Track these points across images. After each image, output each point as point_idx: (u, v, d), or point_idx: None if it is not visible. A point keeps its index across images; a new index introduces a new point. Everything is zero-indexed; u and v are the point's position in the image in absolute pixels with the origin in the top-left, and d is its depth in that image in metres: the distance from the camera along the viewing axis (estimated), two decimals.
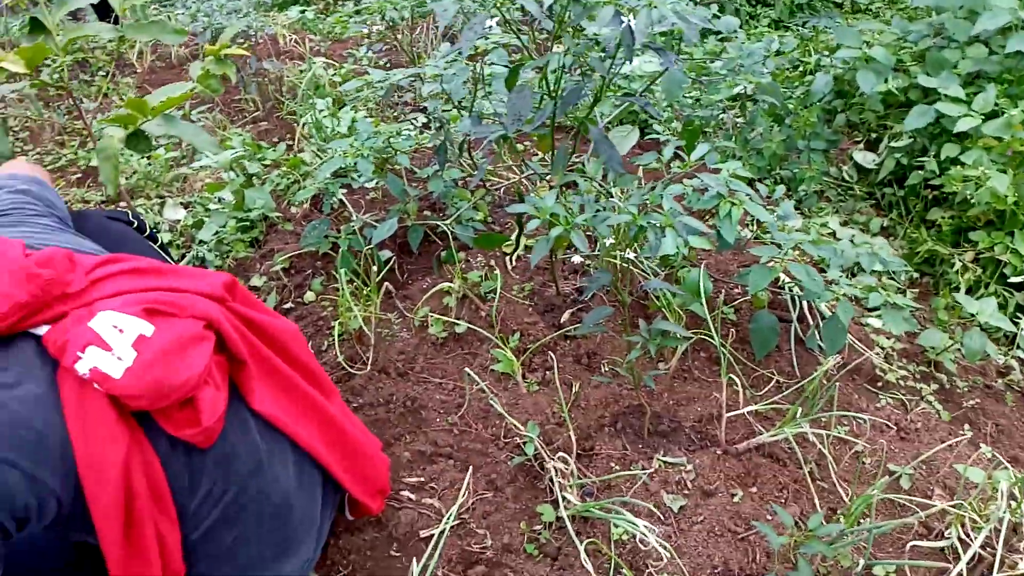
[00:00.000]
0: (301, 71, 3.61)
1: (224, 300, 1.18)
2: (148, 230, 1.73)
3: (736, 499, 1.60)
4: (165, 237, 2.46)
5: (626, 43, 1.44)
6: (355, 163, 2.03)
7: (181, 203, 2.69)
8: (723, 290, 2.10)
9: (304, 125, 3.07)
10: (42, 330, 1.03)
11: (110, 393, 1.00)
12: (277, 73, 3.60)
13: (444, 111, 2.22)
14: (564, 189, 1.90)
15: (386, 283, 2.10)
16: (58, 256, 1.07)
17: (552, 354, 1.90)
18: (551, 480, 1.61)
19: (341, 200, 2.41)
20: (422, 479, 1.67)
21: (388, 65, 3.79)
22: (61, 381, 1.00)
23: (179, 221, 2.57)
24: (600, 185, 2.14)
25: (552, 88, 1.68)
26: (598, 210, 1.63)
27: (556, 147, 1.86)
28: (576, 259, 2.12)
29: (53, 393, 0.99)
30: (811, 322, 2.01)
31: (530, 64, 1.65)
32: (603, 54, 1.64)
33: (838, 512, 1.57)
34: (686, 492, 1.62)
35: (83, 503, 1.02)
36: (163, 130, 1.62)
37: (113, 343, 1.00)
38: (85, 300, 1.06)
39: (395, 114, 3.28)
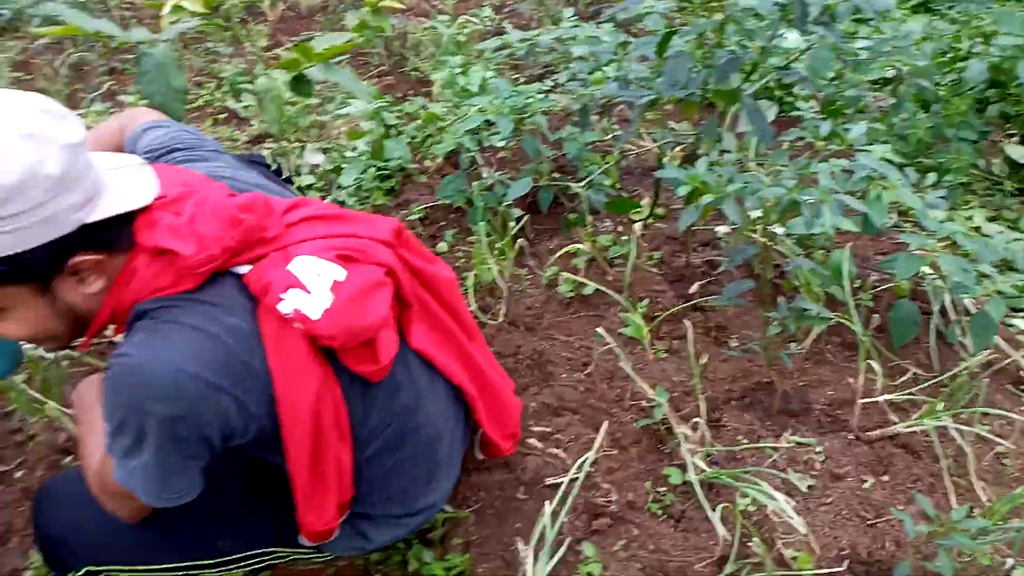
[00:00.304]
0: (425, 28, 3.66)
1: (392, 245, 1.23)
2: (284, 174, 1.80)
3: (866, 485, 1.58)
4: (306, 180, 2.56)
5: (796, 14, 1.41)
6: (494, 120, 2.07)
7: (320, 149, 2.80)
8: (860, 276, 2.06)
9: (436, 82, 3.13)
10: (242, 269, 1.10)
11: (308, 332, 1.07)
12: (403, 28, 3.66)
13: (587, 74, 2.22)
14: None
15: (519, 239, 2.14)
16: (258, 201, 1.13)
17: (683, 323, 1.90)
18: (677, 445, 1.63)
19: (473, 157, 2.45)
20: (548, 430, 1.72)
21: (511, 28, 3.81)
22: (262, 318, 1.07)
23: (318, 166, 2.67)
24: (738, 158, 2.11)
25: (706, 56, 1.67)
26: (747, 182, 1.62)
27: (702, 117, 1.85)
28: (723, 229, 2.11)
29: (256, 329, 1.07)
30: (952, 316, 1.94)
31: (688, 31, 1.64)
32: (762, 24, 1.61)
33: (975, 512, 1.53)
34: (814, 473, 1.61)
35: (277, 429, 1.11)
36: (323, 76, 1.68)
37: (312, 287, 1.07)
38: (280, 244, 1.12)
39: (516, 75, 3.31)
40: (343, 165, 2.61)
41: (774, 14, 1.64)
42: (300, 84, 1.62)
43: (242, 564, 1.38)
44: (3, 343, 1.25)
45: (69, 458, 1.73)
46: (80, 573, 1.31)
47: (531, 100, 2.15)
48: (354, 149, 2.71)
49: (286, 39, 3.86)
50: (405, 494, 1.34)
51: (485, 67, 3.24)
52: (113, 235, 1.04)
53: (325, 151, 2.82)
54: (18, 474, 1.71)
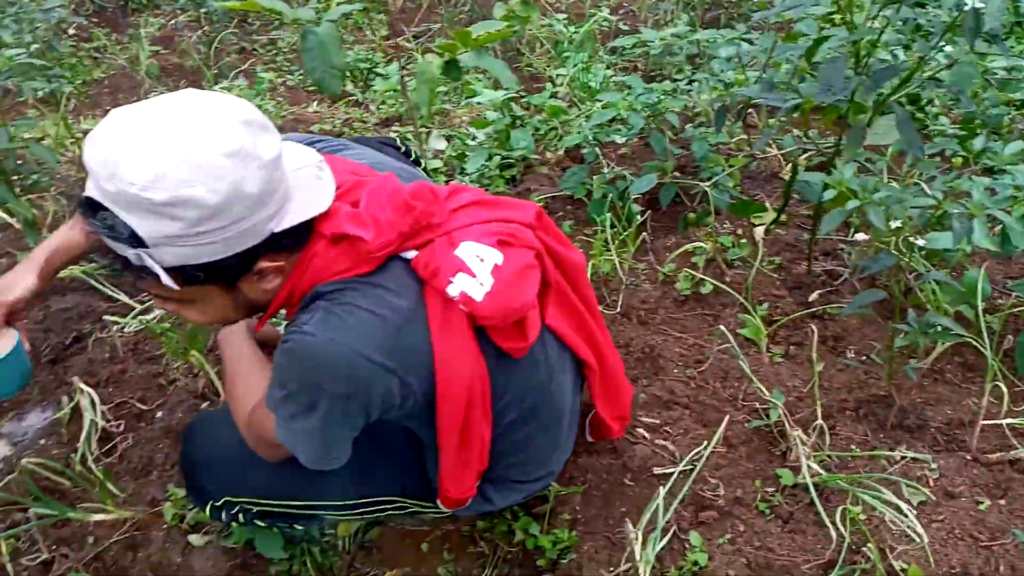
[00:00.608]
0: (542, 26, 3.72)
1: (535, 228, 1.29)
2: (414, 156, 1.88)
3: (982, 507, 1.54)
4: (432, 164, 2.66)
5: (967, 27, 1.39)
6: (625, 116, 2.10)
7: (443, 135, 2.90)
8: (991, 297, 2.00)
9: (557, 76, 3.19)
10: (409, 254, 1.17)
11: (471, 313, 1.14)
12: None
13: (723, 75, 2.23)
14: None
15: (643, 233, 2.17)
16: (425, 189, 1.20)
17: (799, 330, 1.89)
18: (788, 448, 1.63)
19: (596, 151, 2.50)
20: (657, 422, 1.75)
21: (627, 28, 3.83)
22: (428, 300, 1.15)
23: (443, 151, 2.77)
24: (868, 167, 2.08)
25: (861, 63, 1.66)
26: (890, 192, 1.60)
27: (846, 124, 1.83)
28: (861, 237, 2.08)
29: (422, 310, 1.14)
30: None
31: (844, 37, 1.63)
32: (922, 34, 1.59)
33: None
34: (927, 489, 1.58)
35: (430, 405, 1.19)
36: (474, 62, 1.76)
37: (477, 271, 1.14)
38: (444, 229, 1.19)
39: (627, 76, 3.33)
40: (467, 152, 2.70)
41: (938, 26, 1.61)
42: (451, 69, 1.70)
43: (366, 510, 1.47)
44: (14, 364, 1.39)
45: (206, 404, 1.87)
46: (220, 502, 1.43)
47: (663, 99, 2.18)
48: (473, 138, 2.80)
49: (405, 29, 3.99)
50: (530, 463, 1.40)
51: (607, 66, 3.29)
52: (298, 238, 1.11)
53: (448, 138, 2.92)
54: (159, 414, 1.86)
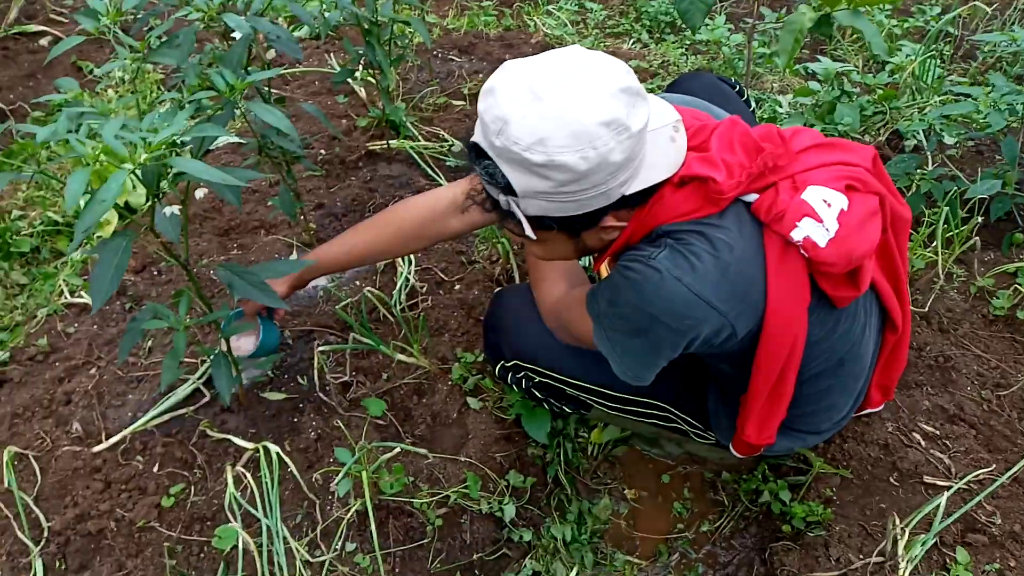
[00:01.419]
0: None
1: (871, 173, 1.24)
2: (746, 96, 1.84)
3: None
4: None
5: None
6: (985, 113, 1.94)
7: (754, 98, 2.84)
8: None
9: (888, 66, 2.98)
10: (750, 197, 1.16)
11: (812, 259, 1.13)
12: None
13: None
14: None
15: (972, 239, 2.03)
16: (772, 132, 1.20)
17: None
18: None
19: (935, 142, 2.33)
20: (938, 432, 1.65)
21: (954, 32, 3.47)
22: (767, 244, 1.15)
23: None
24: None
25: None
26: None
27: None
28: None
29: (760, 253, 1.15)
30: None
31: None
32: None
33: None
34: None
35: (749, 348, 1.20)
36: (849, 21, 1.70)
37: (823, 215, 1.12)
38: (787, 172, 1.17)
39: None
40: (781, 118, 2.63)
41: None
42: (823, 24, 1.66)
43: (634, 409, 1.54)
44: (270, 343, 1.65)
45: (498, 288, 2.02)
46: (510, 363, 1.57)
47: None
48: (780, 106, 2.71)
49: None
50: (820, 414, 1.39)
51: (938, 62, 3.03)
52: (645, 196, 1.14)
53: (757, 102, 2.85)
54: (457, 287, 2.03)
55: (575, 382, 1.52)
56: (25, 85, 3.03)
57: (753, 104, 1.93)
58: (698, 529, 1.75)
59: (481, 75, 2.95)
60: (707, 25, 3.21)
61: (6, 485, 1.59)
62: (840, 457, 1.63)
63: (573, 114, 1.00)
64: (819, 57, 2.77)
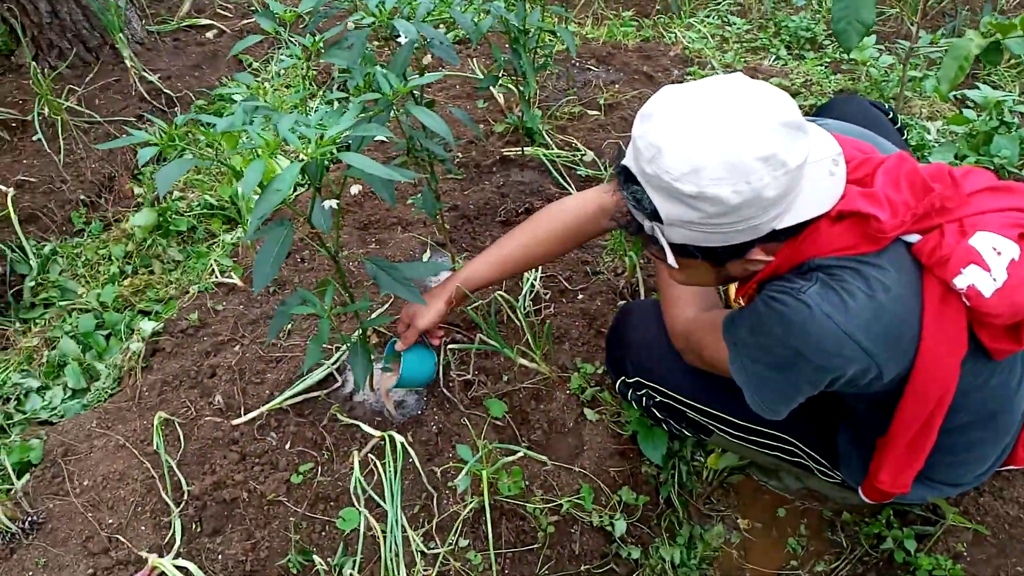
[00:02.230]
0: None
1: None
2: (899, 124, 1.75)
3: None
4: None
5: None
6: None
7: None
8: None
9: None
10: (912, 238, 1.12)
11: (975, 308, 1.08)
12: None
13: None
14: None
15: None
16: (942, 171, 1.14)
17: None
18: None
19: None
20: None
21: None
22: (926, 288, 1.10)
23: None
24: None
25: None
26: None
27: None
28: None
29: (917, 297, 1.10)
30: None
31: None
32: None
33: None
34: None
35: (895, 391, 1.16)
36: (1020, 49, 1.60)
37: (991, 264, 1.06)
38: (956, 215, 1.11)
39: None
40: (930, 146, 2.51)
41: None
42: (992, 52, 1.58)
43: (757, 440, 1.50)
44: (417, 373, 1.66)
45: (622, 302, 2.02)
46: (631, 379, 1.57)
47: None
48: (939, 131, 2.58)
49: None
50: (962, 466, 1.33)
51: None
52: (796, 231, 1.10)
53: (904, 128, 2.73)
54: (579, 296, 2.05)
55: (698, 406, 1.50)
56: (191, 75, 3.26)
57: (904, 132, 1.86)
58: (812, 568, 1.69)
59: (617, 85, 2.95)
60: (859, 47, 3.10)
61: (154, 447, 1.72)
62: (975, 511, 1.55)
63: (730, 146, 0.99)
64: (978, 85, 2.62)
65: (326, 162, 1.28)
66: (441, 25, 3.36)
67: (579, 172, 2.49)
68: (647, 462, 1.72)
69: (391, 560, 1.50)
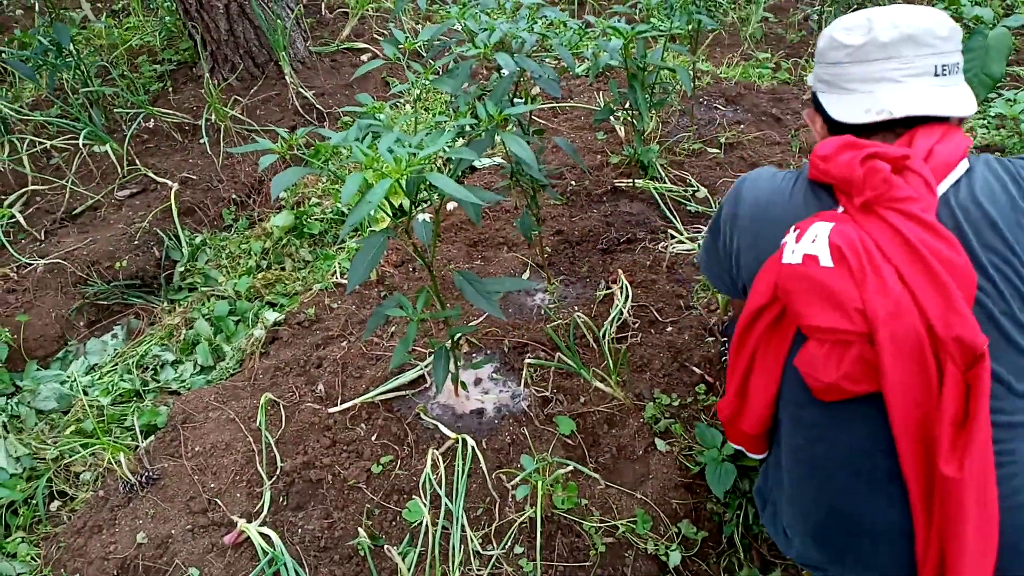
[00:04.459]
0: None
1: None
2: None
3: None
4: None
5: None
6: None
7: None
8: None
9: None
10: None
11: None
12: None
13: None
14: None
15: None
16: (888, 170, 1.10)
17: None
18: None
19: None
20: None
21: None
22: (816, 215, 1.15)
23: None
24: None
25: None
26: None
27: None
28: None
29: (806, 209, 1.18)
30: None
31: None
32: None
33: None
34: None
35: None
36: None
37: (811, 245, 1.09)
38: (862, 199, 1.10)
39: None
40: None
41: None
42: None
43: None
44: None
45: (711, 339, 2.03)
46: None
47: None
48: None
49: None
50: (802, 518, 1.22)
51: None
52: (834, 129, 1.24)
53: None
54: (668, 328, 2.08)
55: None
56: (342, 92, 3.55)
57: None
58: None
59: (743, 125, 2.95)
60: (1000, 95, 2.93)
61: (258, 424, 1.90)
62: None
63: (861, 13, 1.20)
64: None
65: (421, 179, 1.41)
66: (550, 60, 3.48)
67: (688, 208, 2.51)
68: (713, 499, 1.72)
69: (446, 554, 1.59)
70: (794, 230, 1.14)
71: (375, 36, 4.00)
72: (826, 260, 1.07)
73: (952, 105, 1.15)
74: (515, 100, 1.83)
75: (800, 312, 1.10)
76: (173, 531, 1.71)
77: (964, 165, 1.14)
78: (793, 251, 1.12)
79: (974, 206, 1.10)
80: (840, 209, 1.15)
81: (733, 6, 4.34)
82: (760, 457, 1.39)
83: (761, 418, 1.26)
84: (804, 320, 1.10)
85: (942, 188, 1.12)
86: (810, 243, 1.10)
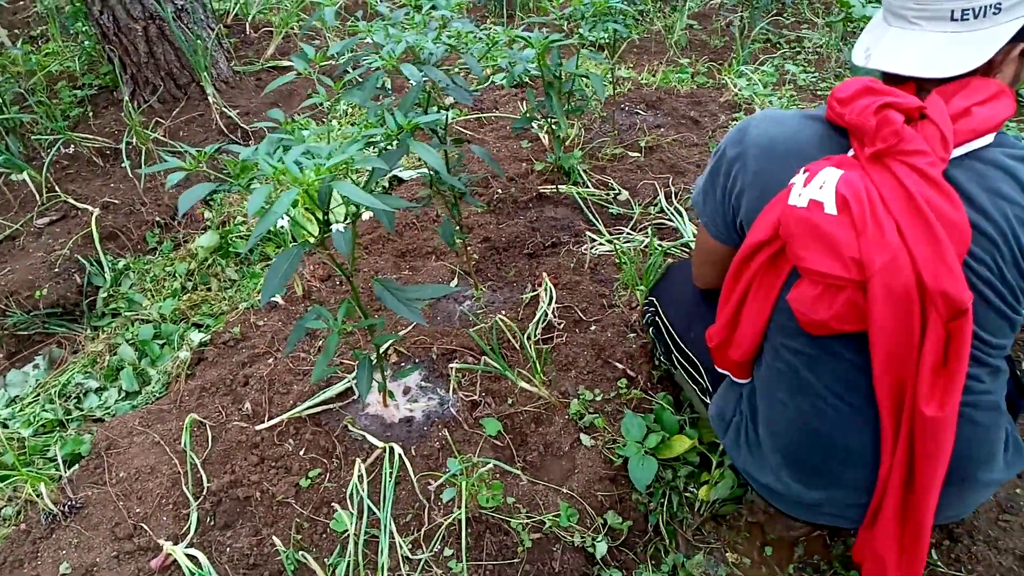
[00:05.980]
0: None
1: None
2: None
3: None
4: None
5: None
6: None
7: None
8: None
9: None
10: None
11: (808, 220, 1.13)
12: None
13: None
14: None
15: None
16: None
17: None
18: None
19: None
20: None
21: None
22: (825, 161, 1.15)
23: None
24: None
25: None
26: None
27: None
28: None
29: (817, 152, 1.17)
30: None
31: None
32: None
33: None
34: None
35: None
36: None
37: (817, 191, 1.11)
38: (873, 149, 1.11)
39: None
40: None
41: None
42: None
43: (680, 362, 1.71)
44: None
45: (632, 335, 2.08)
46: (648, 298, 1.86)
47: None
48: None
49: None
50: (777, 437, 1.35)
51: None
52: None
53: None
54: (592, 327, 2.12)
55: (667, 322, 1.76)
56: (268, 111, 3.53)
57: None
58: None
59: (662, 129, 3.03)
60: None
61: (183, 446, 1.88)
62: (966, 559, 1.52)
63: None
64: None
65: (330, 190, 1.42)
66: (461, 71, 3.54)
67: (611, 210, 2.57)
68: (635, 490, 1.76)
69: (377, 562, 1.59)
70: (803, 172, 1.14)
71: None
72: (830, 208, 1.10)
73: (941, 63, 1.10)
74: (429, 110, 1.86)
75: (799, 254, 1.14)
76: (98, 559, 1.68)
77: (990, 138, 1.12)
78: (800, 194, 1.13)
79: (994, 169, 1.10)
80: (851, 153, 1.15)
81: (659, 15, 4.46)
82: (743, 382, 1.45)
83: (751, 346, 1.33)
84: (802, 262, 1.14)
85: (966, 148, 1.11)
86: (817, 188, 1.11)
